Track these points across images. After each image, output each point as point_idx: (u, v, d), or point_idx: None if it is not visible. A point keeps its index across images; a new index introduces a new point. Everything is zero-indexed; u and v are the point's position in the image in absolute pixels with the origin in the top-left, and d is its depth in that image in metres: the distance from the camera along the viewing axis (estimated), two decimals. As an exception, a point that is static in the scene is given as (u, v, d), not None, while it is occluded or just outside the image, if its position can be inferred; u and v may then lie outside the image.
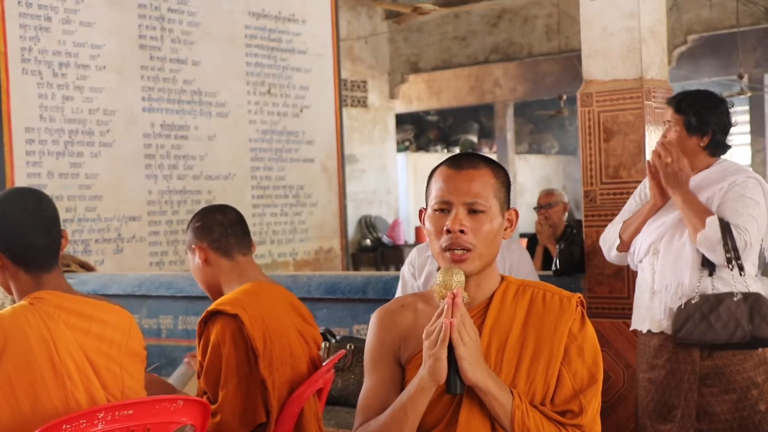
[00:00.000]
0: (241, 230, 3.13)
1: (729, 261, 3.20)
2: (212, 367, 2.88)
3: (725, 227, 3.20)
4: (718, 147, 3.40)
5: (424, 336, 2.02)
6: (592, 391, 2.10)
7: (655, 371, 3.38)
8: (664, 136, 3.43)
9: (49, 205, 2.39)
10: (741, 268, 3.22)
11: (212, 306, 2.93)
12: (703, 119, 3.35)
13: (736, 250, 3.19)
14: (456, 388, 2.01)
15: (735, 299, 3.20)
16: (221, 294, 3.05)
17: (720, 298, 3.21)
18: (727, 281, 3.24)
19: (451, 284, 2.05)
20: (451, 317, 1.98)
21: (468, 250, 2.09)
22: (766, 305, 3.20)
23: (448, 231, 2.09)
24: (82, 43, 7.12)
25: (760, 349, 3.26)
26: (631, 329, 3.55)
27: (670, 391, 3.32)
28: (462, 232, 2.08)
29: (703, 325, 3.20)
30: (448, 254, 2.10)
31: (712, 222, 3.21)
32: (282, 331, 2.98)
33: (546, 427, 2.04)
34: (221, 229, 3.08)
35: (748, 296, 3.20)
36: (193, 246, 3.08)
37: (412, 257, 3.97)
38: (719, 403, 3.26)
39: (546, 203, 5.96)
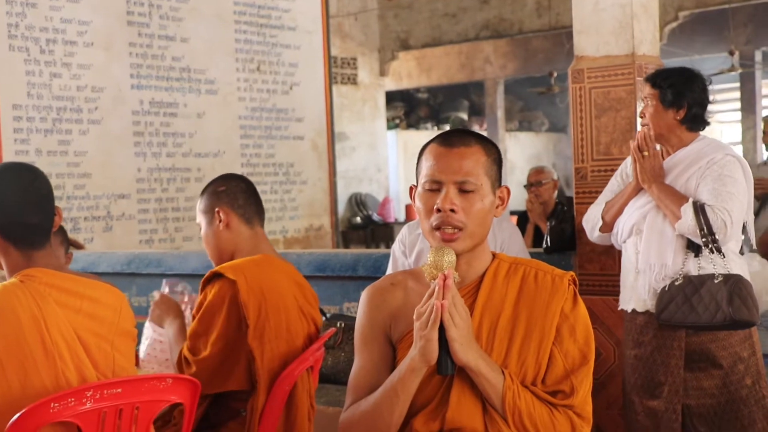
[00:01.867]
0: (260, 202, 3.17)
1: (706, 244, 3.22)
2: (200, 325, 2.91)
3: (700, 210, 3.21)
4: (695, 121, 3.41)
5: (414, 317, 2.01)
6: (583, 372, 2.09)
7: (641, 348, 3.40)
8: (642, 113, 3.45)
9: (43, 182, 2.36)
10: (719, 250, 3.23)
11: (216, 268, 2.95)
12: (677, 92, 3.36)
13: (712, 233, 3.20)
14: (447, 369, 2.00)
15: (716, 281, 3.21)
16: (228, 261, 3.06)
17: (702, 280, 3.23)
18: (715, 262, 3.25)
19: (441, 264, 2.03)
20: (442, 299, 1.96)
21: (459, 228, 2.07)
22: (746, 287, 3.22)
23: (439, 210, 2.07)
24: (70, 19, 7.05)
25: None
26: (619, 309, 3.57)
27: (657, 368, 3.35)
28: (453, 211, 2.06)
29: (686, 308, 3.22)
30: (438, 233, 2.08)
31: (686, 210, 3.24)
32: (281, 306, 2.99)
33: (537, 407, 2.03)
34: (245, 196, 3.11)
35: (728, 278, 3.21)
36: (216, 209, 3.07)
37: (402, 235, 3.96)
38: (706, 378, 3.29)
39: (536, 181, 5.96)
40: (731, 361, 3.27)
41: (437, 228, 2.08)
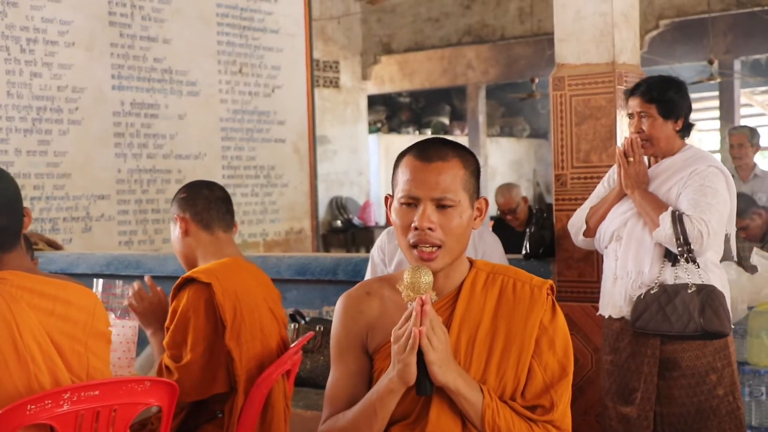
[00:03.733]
0: (225, 208, 3.17)
1: (681, 254, 3.24)
2: (177, 332, 2.91)
3: (678, 219, 3.23)
4: (688, 128, 3.48)
5: (392, 339, 1.97)
6: (563, 385, 2.07)
7: (617, 354, 3.43)
8: (640, 129, 3.44)
9: (9, 183, 2.32)
10: (693, 261, 3.25)
11: (188, 273, 2.97)
12: (675, 103, 3.42)
13: (688, 242, 3.22)
14: (426, 390, 1.98)
15: (689, 291, 3.23)
16: (196, 267, 3.08)
17: (676, 290, 3.25)
18: (690, 271, 3.27)
19: (419, 285, 1.97)
20: (420, 325, 1.92)
21: (437, 246, 2.03)
22: (719, 299, 3.23)
23: (416, 227, 2.02)
24: (51, 18, 7.02)
25: None
26: (598, 314, 3.59)
27: (630, 374, 3.37)
28: (430, 229, 2.01)
29: (659, 317, 3.25)
30: (416, 252, 2.03)
31: (664, 218, 3.26)
32: (254, 307, 3.02)
33: (516, 424, 2.01)
34: (205, 203, 3.12)
35: (701, 289, 3.23)
36: (175, 216, 3.12)
37: (382, 242, 3.91)
38: (677, 387, 3.31)
39: (508, 209, 6.04)
40: (703, 371, 3.29)
41: (414, 246, 2.03)
